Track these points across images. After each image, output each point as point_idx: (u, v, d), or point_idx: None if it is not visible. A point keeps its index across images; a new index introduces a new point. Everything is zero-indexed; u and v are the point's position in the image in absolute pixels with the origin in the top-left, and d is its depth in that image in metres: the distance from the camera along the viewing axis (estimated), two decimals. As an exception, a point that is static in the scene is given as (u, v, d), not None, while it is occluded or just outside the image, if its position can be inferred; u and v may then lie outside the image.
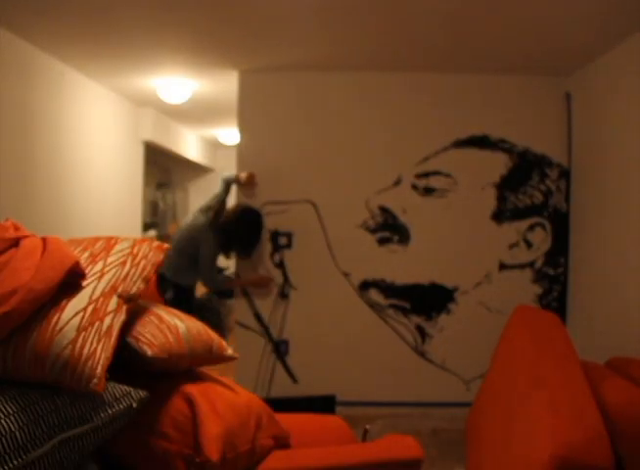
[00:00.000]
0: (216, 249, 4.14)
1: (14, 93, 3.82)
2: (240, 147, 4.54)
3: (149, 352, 1.36)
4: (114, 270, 1.40)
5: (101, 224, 5.14)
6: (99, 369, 1.23)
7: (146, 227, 7.01)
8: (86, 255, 1.44)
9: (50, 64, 4.24)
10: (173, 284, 4.15)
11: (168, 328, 1.46)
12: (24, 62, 3.93)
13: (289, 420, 1.75)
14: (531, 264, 4.44)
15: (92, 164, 5.03)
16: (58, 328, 1.23)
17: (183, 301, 4.15)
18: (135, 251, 1.49)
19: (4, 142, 3.73)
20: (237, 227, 4.15)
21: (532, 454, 2.02)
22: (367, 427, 2.35)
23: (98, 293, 1.33)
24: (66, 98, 4.52)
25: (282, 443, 1.68)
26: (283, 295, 4.46)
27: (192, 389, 1.48)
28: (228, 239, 4.16)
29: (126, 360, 1.40)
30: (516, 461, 2.16)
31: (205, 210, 4.28)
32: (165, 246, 1.60)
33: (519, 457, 2.15)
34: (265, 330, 4.45)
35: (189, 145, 7.71)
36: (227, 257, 4.39)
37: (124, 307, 1.37)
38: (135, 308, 1.47)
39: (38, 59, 4.08)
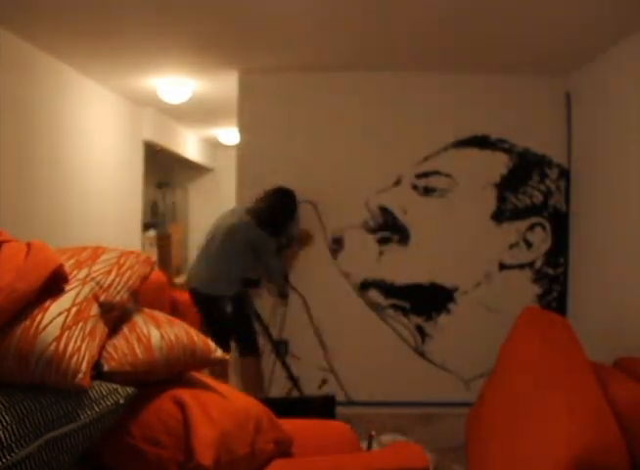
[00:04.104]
0: (272, 242, 4.16)
1: (14, 93, 3.81)
2: (240, 147, 4.54)
3: (105, 367, 1.35)
4: (98, 278, 1.40)
5: (101, 224, 5.14)
6: (84, 365, 1.23)
7: (146, 227, 7.00)
8: (72, 262, 1.44)
9: (50, 64, 4.24)
10: (229, 298, 4.10)
11: (138, 338, 1.44)
12: (24, 62, 3.93)
13: (291, 426, 1.73)
14: (531, 264, 4.44)
15: (92, 163, 5.03)
16: (42, 326, 1.23)
17: (242, 310, 4.16)
18: (122, 261, 1.49)
19: (4, 142, 3.73)
20: (281, 210, 4.20)
21: (547, 455, 2.01)
22: (372, 433, 2.34)
23: (81, 298, 1.33)
24: (66, 98, 4.52)
25: (284, 447, 1.66)
26: (283, 295, 4.45)
27: (183, 393, 1.47)
28: (277, 225, 4.19)
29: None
30: (527, 462, 2.16)
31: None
32: (153, 259, 1.59)
33: (530, 458, 2.14)
34: (265, 330, 4.45)
35: (189, 145, 7.71)
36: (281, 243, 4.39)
37: (106, 316, 1.37)
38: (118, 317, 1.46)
39: (38, 59, 4.08)
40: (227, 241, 4.09)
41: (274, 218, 4.15)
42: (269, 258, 4.11)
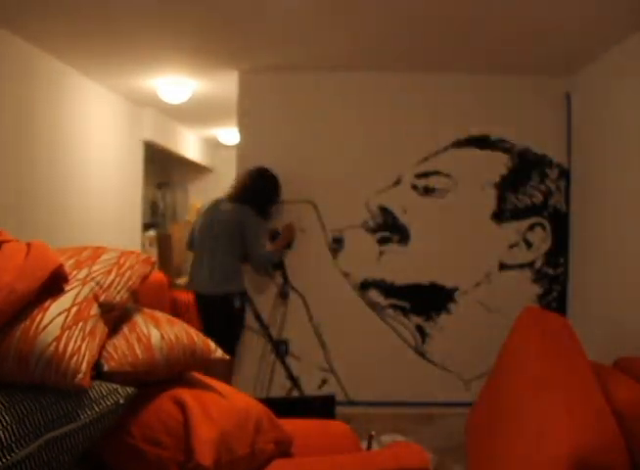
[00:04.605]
0: (261, 223, 4.08)
1: (14, 93, 3.81)
2: (240, 147, 4.54)
3: (105, 367, 1.35)
4: (98, 278, 1.40)
5: (101, 224, 5.14)
6: (84, 365, 1.23)
7: (146, 227, 7.00)
8: (71, 262, 1.44)
9: (50, 64, 4.24)
10: (237, 294, 4.02)
11: (138, 338, 1.44)
12: (24, 62, 3.93)
13: (291, 426, 1.73)
14: (531, 264, 4.44)
15: (92, 163, 5.03)
16: (42, 326, 1.23)
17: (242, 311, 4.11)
18: (122, 261, 1.49)
19: (4, 142, 3.73)
20: (264, 187, 4.14)
21: (547, 455, 2.01)
22: (372, 433, 2.34)
23: (81, 298, 1.33)
24: (66, 98, 4.52)
25: (284, 448, 1.66)
26: (283, 295, 4.45)
27: (183, 393, 1.47)
28: (262, 203, 4.11)
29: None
30: (527, 461, 2.16)
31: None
32: (153, 259, 1.59)
33: (530, 458, 2.14)
34: (265, 330, 4.45)
35: (189, 145, 7.71)
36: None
37: (106, 316, 1.37)
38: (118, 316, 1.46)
39: (38, 59, 4.08)
40: (222, 234, 3.99)
41: (258, 197, 4.08)
42: (253, 238, 3.96)
